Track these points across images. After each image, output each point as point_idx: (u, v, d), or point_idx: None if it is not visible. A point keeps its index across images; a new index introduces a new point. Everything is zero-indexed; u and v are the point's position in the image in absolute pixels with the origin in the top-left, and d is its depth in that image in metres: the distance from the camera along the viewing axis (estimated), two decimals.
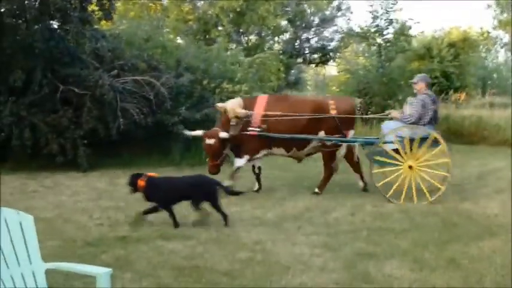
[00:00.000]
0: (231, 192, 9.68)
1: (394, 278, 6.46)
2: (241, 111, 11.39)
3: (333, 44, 37.99)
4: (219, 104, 11.94)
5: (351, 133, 11.72)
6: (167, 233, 8.45)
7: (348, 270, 6.68)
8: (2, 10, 13.43)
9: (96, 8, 16.71)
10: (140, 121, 14.77)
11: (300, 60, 39.16)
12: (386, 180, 10.80)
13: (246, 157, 11.62)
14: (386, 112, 12.33)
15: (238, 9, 33.88)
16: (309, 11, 37.52)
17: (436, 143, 10.52)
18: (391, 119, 11.67)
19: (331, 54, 38.49)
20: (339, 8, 36.68)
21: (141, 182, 8.86)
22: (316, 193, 11.48)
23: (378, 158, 10.83)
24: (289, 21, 36.95)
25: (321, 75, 48.75)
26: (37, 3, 14.72)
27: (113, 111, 14.70)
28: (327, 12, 37.26)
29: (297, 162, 12.49)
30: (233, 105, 11.49)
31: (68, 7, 14.38)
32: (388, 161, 10.70)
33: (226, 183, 10.58)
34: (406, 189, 10.50)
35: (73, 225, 8.95)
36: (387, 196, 10.55)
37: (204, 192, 8.92)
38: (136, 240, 8.08)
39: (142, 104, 15.16)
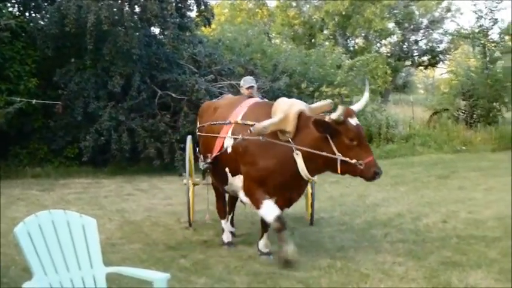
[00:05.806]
0: None
1: None
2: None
3: (442, 46, 36.97)
4: None
5: None
6: (250, 238, 8.38)
7: (429, 280, 6.36)
8: (102, 17, 13.73)
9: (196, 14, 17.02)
10: None
11: (408, 63, 38.34)
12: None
13: None
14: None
15: (343, 13, 33.56)
16: (417, 12, 36.63)
17: None
18: None
19: (440, 56, 37.48)
20: (448, 9, 35.62)
21: None
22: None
23: None
24: (397, 23, 36.21)
25: (431, 78, 47.64)
26: (135, 10, 15.08)
27: None
28: (436, 14, 36.24)
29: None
30: None
31: (165, 13, 14.58)
32: None
33: None
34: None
35: (159, 229, 9.06)
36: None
37: None
38: (218, 244, 8.06)
39: None
